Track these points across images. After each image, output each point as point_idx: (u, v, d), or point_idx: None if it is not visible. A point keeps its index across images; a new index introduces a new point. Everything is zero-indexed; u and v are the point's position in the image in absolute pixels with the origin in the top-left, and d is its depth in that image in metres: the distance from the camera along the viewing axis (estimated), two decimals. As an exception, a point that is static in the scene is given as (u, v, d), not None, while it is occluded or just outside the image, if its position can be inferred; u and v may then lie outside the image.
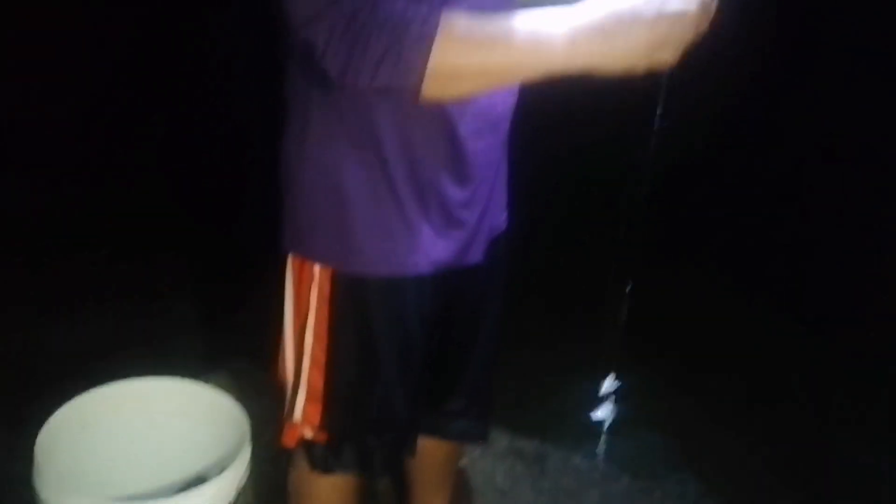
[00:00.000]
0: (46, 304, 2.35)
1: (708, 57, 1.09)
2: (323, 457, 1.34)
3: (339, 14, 0.97)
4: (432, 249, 1.25)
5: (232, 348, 2.08)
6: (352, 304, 1.25)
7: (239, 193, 2.71)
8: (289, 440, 1.35)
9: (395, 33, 0.97)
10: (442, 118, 1.16)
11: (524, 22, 0.98)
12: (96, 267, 2.51)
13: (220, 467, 1.47)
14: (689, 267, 2.78)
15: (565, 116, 2.39)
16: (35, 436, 1.45)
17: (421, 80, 0.98)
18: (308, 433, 1.33)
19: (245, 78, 2.72)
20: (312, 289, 1.26)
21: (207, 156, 2.97)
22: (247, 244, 1.67)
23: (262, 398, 1.46)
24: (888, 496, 2.01)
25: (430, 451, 1.54)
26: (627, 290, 1.54)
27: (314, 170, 1.21)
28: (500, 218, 1.38)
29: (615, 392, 1.59)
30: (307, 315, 1.27)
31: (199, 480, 1.51)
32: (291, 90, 1.20)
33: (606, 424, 1.29)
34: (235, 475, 1.46)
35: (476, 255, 1.31)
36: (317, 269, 1.25)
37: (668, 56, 0.97)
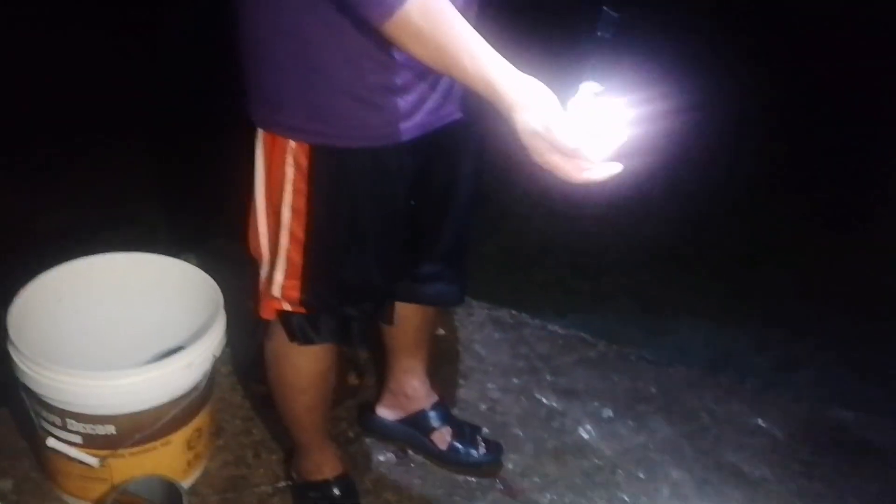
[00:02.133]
0: (21, 182, 2.32)
1: None
2: (301, 328, 1.35)
3: None
4: (416, 112, 1.21)
5: (205, 227, 2.07)
6: (333, 178, 1.23)
7: (211, 65, 2.63)
8: (267, 312, 1.36)
9: None
10: None
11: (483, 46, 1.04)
12: (69, 146, 2.46)
13: (195, 339, 1.49)
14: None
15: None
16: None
17: (386, 18, 1.02)
18: (286, 307, 1.33)
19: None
20: (287, 163, 1.22)
21: (180, 28, 2.85)
22: (220, 119, 1.62)
23: (236, 274, 1.46)
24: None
25: (406, 317, 1.56)
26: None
27: (284, 35, 1.14)
28: None
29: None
30: (282, 190, 1.24)
31: (173, 349, 1.53)
32: None
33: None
34: (210, 344, 1.48)
35: (453, 111, 1.28)
36: (292, 143, 1.21)
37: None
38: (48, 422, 1.44)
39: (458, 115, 1.29)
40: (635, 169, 1.04)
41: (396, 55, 1.14)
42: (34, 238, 2.06)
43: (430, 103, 1.23)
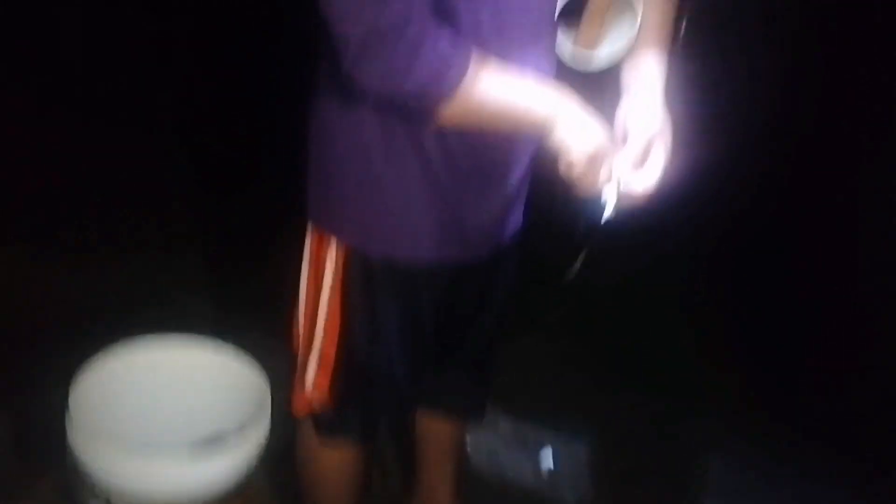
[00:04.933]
0: (65, 262, 2.32)
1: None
2: (327, 421, 1.39)
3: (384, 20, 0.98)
4: (454, 242, 1.28)
5: (248, 315, 2.10)
6: (364, 283, 1.28)
7: (262, 155, 2.65)
8: (298, 409, 1.40)
9: (437, 58, 1.02)
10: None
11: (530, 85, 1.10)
12: (110, 227, 2.47)
13: (239, 426, 1.52)
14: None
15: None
16: (58, 389, 1.50)
17: (441, 106, 1.06)
18: (316, 402, 1.37)
19: (278, 26, 2.46)
20: (328, 260, 1.28)
21: (235, 121, 2.84)
22: (269, 210, 1.66)
23: (277, 364, 1.51)
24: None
25: (433, 430, 1.60)
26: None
27: (352, 146, 1.20)
28: (519, 217, 1.41)
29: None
30: (322, 283, 1.30)
31: (217, 437, 1.57)
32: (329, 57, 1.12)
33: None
34: (257, 435, 1.52)
35: (488, 250, 1.34)
36: (334, 241, 1.27)
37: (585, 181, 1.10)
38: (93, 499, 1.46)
39: (495, 255, 1.35)
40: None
41: (448, 183, 1.22)
42: (75, 320, 2.05)
43: (469, 236, 1.29)
